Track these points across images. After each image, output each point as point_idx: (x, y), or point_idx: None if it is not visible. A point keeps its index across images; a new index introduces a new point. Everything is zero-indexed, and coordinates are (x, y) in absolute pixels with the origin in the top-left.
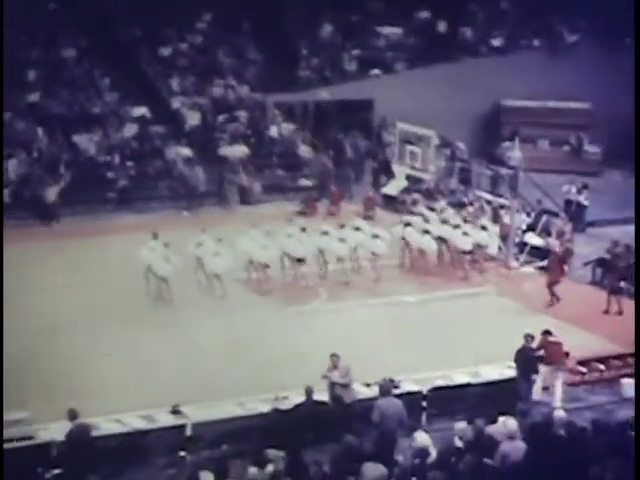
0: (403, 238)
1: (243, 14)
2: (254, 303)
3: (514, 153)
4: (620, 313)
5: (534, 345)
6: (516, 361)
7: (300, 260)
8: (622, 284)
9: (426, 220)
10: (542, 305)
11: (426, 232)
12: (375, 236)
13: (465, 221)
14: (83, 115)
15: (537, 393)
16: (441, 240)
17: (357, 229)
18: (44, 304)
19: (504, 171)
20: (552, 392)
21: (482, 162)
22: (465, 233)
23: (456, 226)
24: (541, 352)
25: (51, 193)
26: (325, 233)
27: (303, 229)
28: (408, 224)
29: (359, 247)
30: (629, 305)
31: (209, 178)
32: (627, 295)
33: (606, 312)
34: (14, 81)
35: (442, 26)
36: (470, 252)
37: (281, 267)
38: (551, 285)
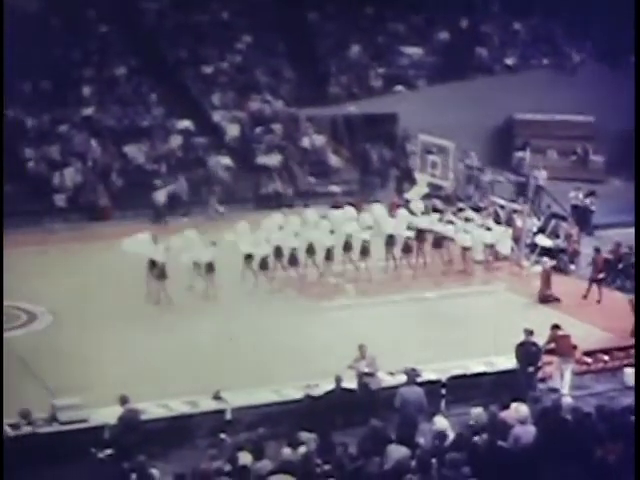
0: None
1: (279, 36)
2: (289, 298)
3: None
4: (598, 301)
5: (535, 339)
6: (517, 354)
7: (329, 251)
8: (601, 275)
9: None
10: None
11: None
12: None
13: (466, 220)
14: (133, 127)
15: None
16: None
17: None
18: (93, 294)
19: (515, 178)
20: (561, 381)
21: (496, 170)
22: (465, 231)
23: (450, 222)
24: (552, 345)
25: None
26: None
27: (332, 231)
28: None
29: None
30: (606, 294)
31: (247, 184)
32: (605, 285)
33: (584, 297)
34: (71, 96)
35: (459, 46)
36: (468, 249)
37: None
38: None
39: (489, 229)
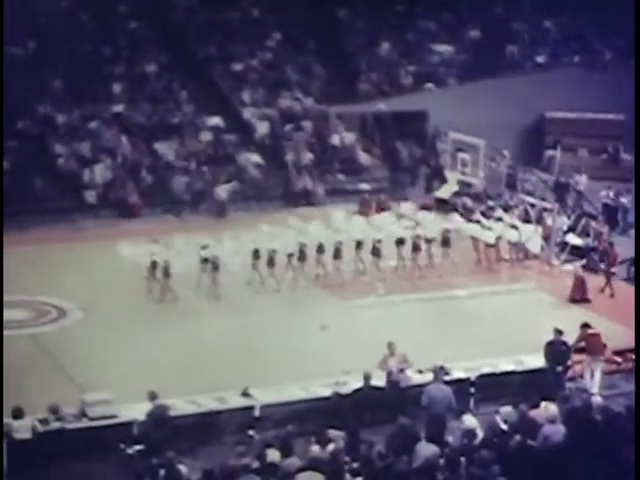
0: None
1: (309, 33)
2: (319, 296)
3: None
4: (612, 295)
5: (565, 338)
6: (546, 353)
7: (359, 244)
8: (613, 269)
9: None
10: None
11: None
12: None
13: (486, 217)
14: (163, 124)
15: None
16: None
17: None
18: (122, 291)
19: (547, 177)
20: (591, 380)
21: (527, 168)
22: (489, 228)
23: (477, 221)
24: (582, 344)
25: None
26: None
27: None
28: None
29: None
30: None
31: (276, 182)
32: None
33: (601, 291)
34: (101, 93)
35: (490, 44)
36: (494, 245)
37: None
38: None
39: (515, 227)
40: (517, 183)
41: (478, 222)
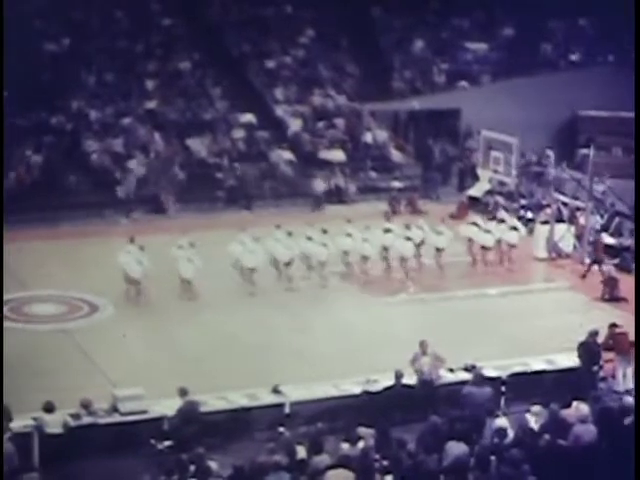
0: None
1: (342, 31)
2: (351, 294)
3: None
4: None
5: (598, 340)
6: (579, 353)
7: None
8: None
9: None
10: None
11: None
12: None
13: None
14: (195, 121)
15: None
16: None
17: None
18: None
19: (580, 175)
20: (623, 380)
21: (560, 167)
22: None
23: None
24: (610, 342)
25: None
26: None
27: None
28: (474, 223)
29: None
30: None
31: (309, 179)
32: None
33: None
34: (134, 89)
35: (524, 42)
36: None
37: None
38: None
39: (516, 229)
40: (550, 182)
41: (503, 221)
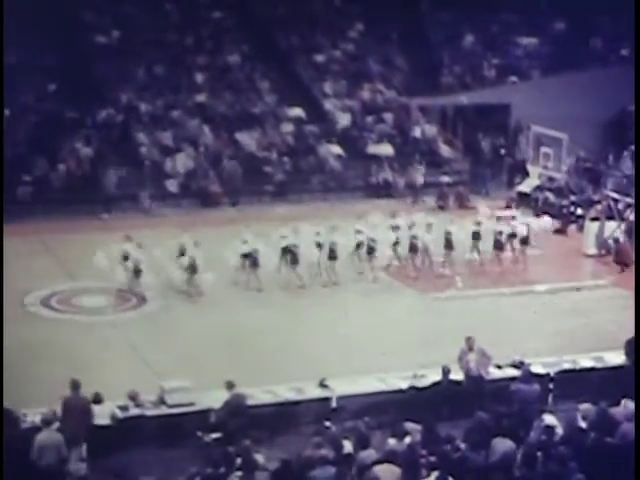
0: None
1: (392, 25)
2: (398, 290)
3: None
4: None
5: None
6: (626, 350)
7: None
8: None
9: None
10: None
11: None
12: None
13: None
14: (245, 114)
15: None
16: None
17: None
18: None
19: (629, 172)
20: None
21: (610, 163)
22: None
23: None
24: None
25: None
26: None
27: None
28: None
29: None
30: None
31: (357, 174)
32: None
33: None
34: (184, 82)
35: (574, 37)
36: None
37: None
38: None
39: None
40: (600, 178)
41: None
